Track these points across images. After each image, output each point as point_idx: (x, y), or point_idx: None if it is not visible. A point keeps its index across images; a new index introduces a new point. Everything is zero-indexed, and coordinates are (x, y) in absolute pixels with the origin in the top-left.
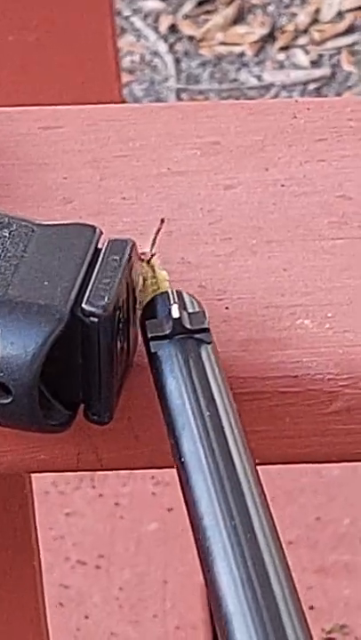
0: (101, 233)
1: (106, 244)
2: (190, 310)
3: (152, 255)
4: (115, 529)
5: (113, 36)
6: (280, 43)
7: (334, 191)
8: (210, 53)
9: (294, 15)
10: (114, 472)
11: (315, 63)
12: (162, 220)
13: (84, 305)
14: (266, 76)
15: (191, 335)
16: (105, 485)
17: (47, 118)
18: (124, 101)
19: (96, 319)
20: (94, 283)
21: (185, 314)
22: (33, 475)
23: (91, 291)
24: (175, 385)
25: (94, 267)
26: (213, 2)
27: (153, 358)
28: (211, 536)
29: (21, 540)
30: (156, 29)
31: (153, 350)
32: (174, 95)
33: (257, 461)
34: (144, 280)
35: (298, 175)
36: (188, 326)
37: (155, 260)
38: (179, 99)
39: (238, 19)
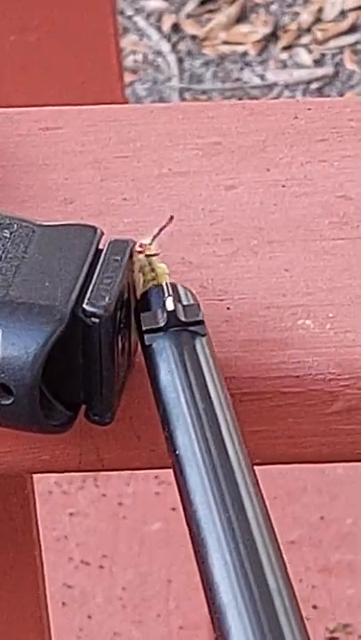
0: (102, 233)
1: (107, 244)
2: (185, 303)
3: (150, 249)
4: (118, 529)
5: (115, 36)
6: (283, 42)
7: (335, 191)
8: (213, 53)
9: (297, 14)
10: (117, 472)
11: (318, 62)
12: (171, 217)
13: (85, 305)
14: (269, 75)
15: (186, 328)
16: (108, 485)
17: (47, 119)
18: (126, 101)
19: (97, 319)
20: (95, 283)
21: (180, 306)
22: (36, 475)
23: (92, 291)
24: (170, 377)
25: (95, 267)
26: (216, 1)
27: (147, 351)
28: (205, 527)
29: (23, 541)
30: (158, 29)
31: (147, 343)
32: (177, 95)
33: (258, 461)
34: (143, 274)
35: (299, 175)
36: (183, 319)
37: (153, 258)
38: (182, 98)
39: (241, 18)
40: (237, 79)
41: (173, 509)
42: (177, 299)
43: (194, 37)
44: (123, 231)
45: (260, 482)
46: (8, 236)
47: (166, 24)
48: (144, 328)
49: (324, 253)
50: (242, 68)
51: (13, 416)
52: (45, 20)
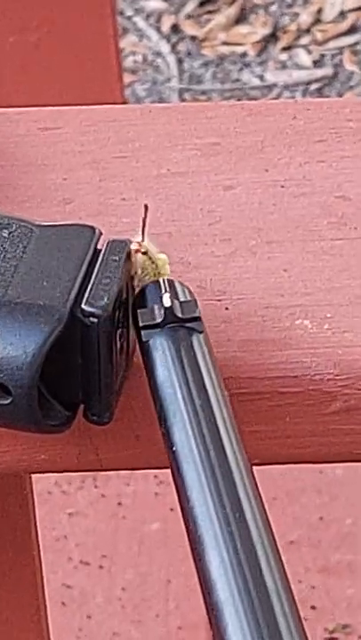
0: (101, 234)
1: (105, 244)
2: (182, 299)
3: (144, 245)
4: (117, 529)
5: (115, 37)
6: (282, 43)
7: (334, 192)
8: (212, 53)
9: (297, 15)
10: (116, 472)
11: (317, 63)
12: (145, 207)
13: (83, 305)
14: (268, 76)
15: (183, 324)
16: (108, 485)
17: (46, 119)
18: (126, 102)
19: (96, 319)
20: (94, 283)
21: (176, 303)
22: (35, 475)
23: (90, 291)
24: (167, 374)
25: (94, 267)
26: (216, 2)
27: (144, 347)
28: (201, 524)
29: (22, 541)
30: (158, 29)
31: (144, 339)
32: (177, 95)
33: (257, 462)
34: (143, 270)
35: (297, 176)
36: (180, 315)
37: (150, 247)
38: (181, 99)
39: (241, 18)
40: (237, 80)
41: (172, 510)
42: (174, 295)
43: (193, 38)
44: (121, 231)
45: (258, 482)
46: (7, 235)
47: (166, 25)
48: (141, 324)
49: (323, 254)
50: (241, 69)
51: (12, 416)
52: (45, 20)
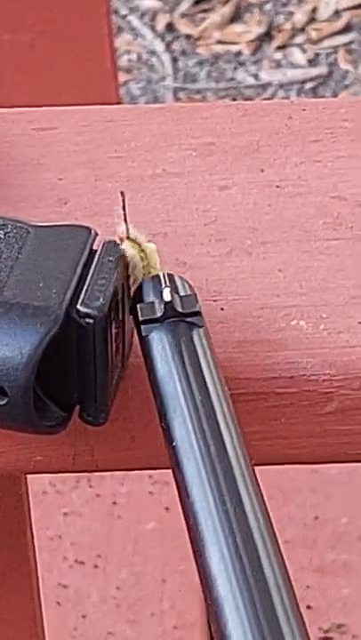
0: (97, 234)
1: (101, 245)
2: (182, 293)
3: (127, 233)
4: (112, 528)
5: (110, 35)
6: (277, 41)
7: (329, 192)
8: (207, 52)
9: (291, 14)
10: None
11: (312, 62)
12: (121, 193)
13: (79, 306)
14: (263, 74)
15: (183, 319)
16: (102, 485)
17: (41, 119)
18: (120, 100)
19: (91, 320)
20: (89, 284)
21: (177, 297)
22: (30, 475)
23: (86, 292)
24: (167, 369)
25: (89, 268)
26: (210, 0)
27: (144, 342)
28: (202, 520)
29: (17, 541)
30: (153, 28)
31: (144, 334)
32: (171, 94)
33: (253, 462)
34: (132, 258)
35: (293, 176)
36: (180, 310)
37: (137, 236)
38: (176, 98)
39: (235, 17)
40: (231, 79)
41: (167, 509)
42: (174, 289)
43: (188, 37)
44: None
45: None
46: (2, 236)
47: (160, 23)
48: (141, 319)
49: (318, 254)
50: (236, 68)
51: (7, 417)
52: (40, 19)
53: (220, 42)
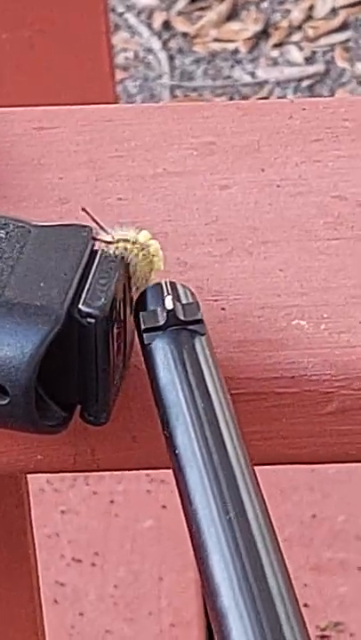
0: (97, 234)
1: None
2: (184, 301)
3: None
4: (110, 526)
5: (107, 33)
6: (274, 39)
7: (330, 191)
8: (204, 50)
9: (288, 12)
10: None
11: (309, 60)
12: (83, 209)
13: (80, 306)
14: (260, 72)
15: (185, 327)
16: (100, 483)
17: (42, 119)
18: (117, 98)
19: (93, 320)
20: (91, 283)
21: (179, 305)
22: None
23: (87, 292)
24: (169, 377)
25: (91, 267)
26: None
27: (147, 350)
28: (205, 528)
29: (17, 540)
30: (149, 26)
31: (147, 342)
32: (168, 92)
33: (253, 462)
34: (135, 257)
35: (293, 175)
36: (182, 318)
37: (139, 235)
38: (172, 95)
39: (232, 15)
40: (228, 77)
41: (165, 507)
42: (176, 297)
43: (185, 35)
44: None
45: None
46: (4, 236)
47: (157, 21)
48: (143, 327)
49: (319, 253)
50: (233, 66)
51: (9, 416)
52: (37, 17)
53: (216, 40)
